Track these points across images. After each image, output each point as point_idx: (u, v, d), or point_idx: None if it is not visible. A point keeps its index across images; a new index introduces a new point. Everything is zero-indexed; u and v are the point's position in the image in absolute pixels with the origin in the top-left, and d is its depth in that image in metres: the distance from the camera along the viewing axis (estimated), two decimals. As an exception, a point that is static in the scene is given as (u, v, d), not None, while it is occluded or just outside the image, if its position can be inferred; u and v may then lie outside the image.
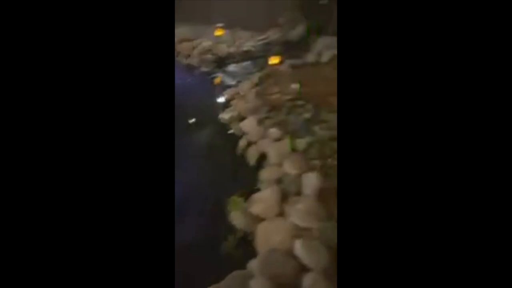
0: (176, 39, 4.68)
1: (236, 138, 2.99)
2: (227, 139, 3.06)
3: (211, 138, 3.11)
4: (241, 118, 3.20)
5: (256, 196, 2.20)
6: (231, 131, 3.15)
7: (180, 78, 4.10)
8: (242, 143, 2.87)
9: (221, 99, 3.72)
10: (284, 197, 2.15)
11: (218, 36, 4.79)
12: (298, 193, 2.20)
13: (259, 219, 2.04)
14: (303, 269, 1.66)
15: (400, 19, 0.76)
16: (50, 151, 0.69)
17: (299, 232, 1.91)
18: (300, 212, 1.98)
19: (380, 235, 0.74)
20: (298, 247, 1.74)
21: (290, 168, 2.35)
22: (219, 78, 4.30)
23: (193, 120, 3.33)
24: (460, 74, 0.72)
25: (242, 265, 1.70)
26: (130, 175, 0.73)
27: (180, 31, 4.79)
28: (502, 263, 0.67)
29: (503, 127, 0.69)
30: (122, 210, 0.72)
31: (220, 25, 4.73)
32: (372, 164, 0.76)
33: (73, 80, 0.71)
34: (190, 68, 4.60)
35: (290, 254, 1.75)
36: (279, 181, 2.31)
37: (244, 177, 2.49)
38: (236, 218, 2.09)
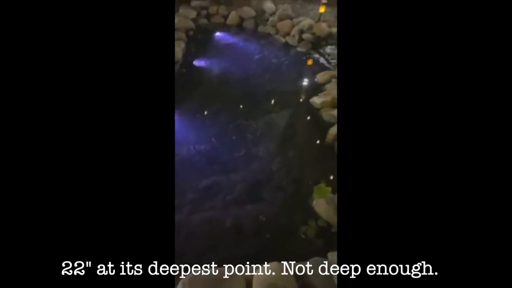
0: (276, 18, 4.68)
1: (326, 125, 2.87)
2: (316, 125, 2.96)
3: (295, 121, 2.99)
4: (335, 105, 3.00)
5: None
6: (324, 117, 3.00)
7: (276, 57, 4.12)
8: (332, 131, 2.72)
9: (313, 82, 3.61)
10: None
11: (321, 14, 4.46)
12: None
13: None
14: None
15: (400, 23, 0.78)
16: (53, 142, 0.71)
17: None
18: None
19: (379, 235, 0.79)
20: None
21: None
22: (311, 60, 4.17)
23: (272, 101, 3.27)
24: (459, 76, 0.73)
25: (322, 254, 1.68)
26: (130, 169, 0.76)
27: (283, 8, 4.76)
28: (500, 263, 0.69)
29: (502, 137, 0.69)
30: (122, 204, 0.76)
31: (324, 1, 4.31)
32: (372, 166, 0.78)
33: (73, 78, 0.73)
34: (286, 47, 4.48)
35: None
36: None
37: (330, 168, 2.40)
38: (319, 206, 2.09)
